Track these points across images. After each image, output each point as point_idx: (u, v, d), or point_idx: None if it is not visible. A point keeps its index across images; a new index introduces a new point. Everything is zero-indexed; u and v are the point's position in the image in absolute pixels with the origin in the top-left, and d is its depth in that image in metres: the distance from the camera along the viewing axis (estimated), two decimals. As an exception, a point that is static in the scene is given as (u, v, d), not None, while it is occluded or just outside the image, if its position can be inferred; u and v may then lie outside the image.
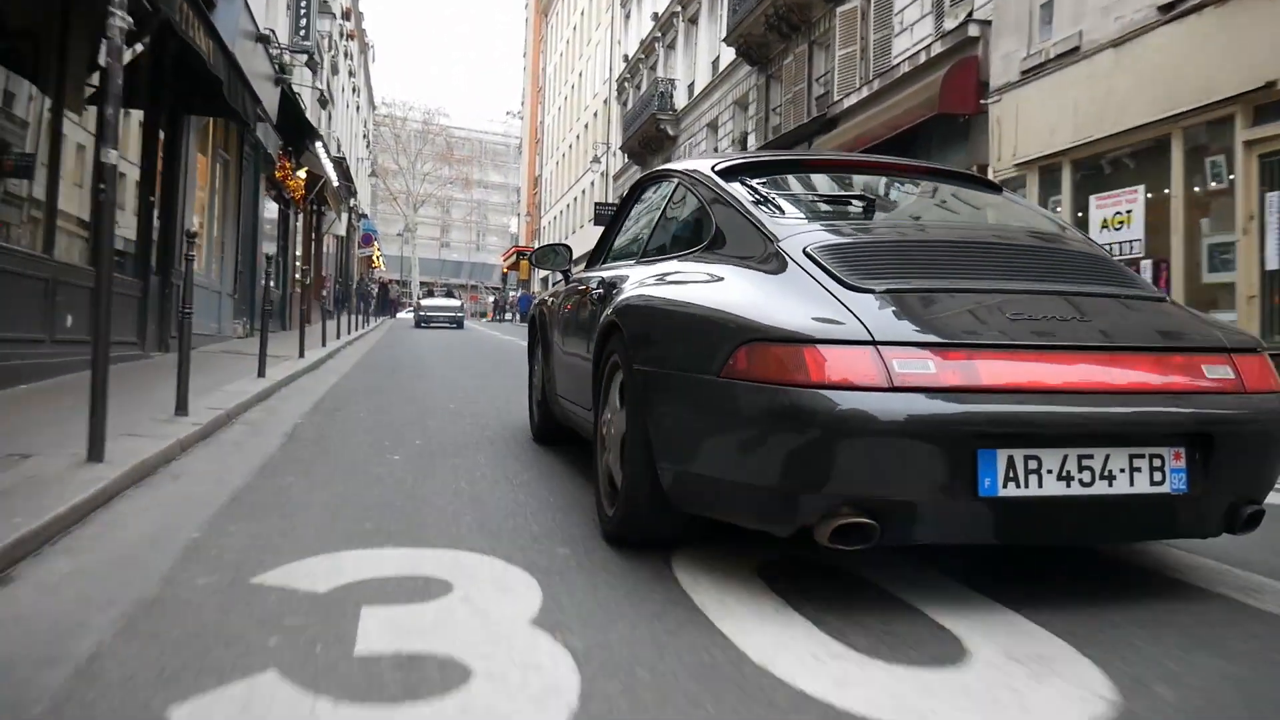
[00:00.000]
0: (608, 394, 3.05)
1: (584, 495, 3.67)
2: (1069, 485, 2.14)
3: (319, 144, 19.35)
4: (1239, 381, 2.32)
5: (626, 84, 33.45)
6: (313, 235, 23.66)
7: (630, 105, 31.21)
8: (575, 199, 44.11)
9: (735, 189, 2.97)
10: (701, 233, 3.03)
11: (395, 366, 11.79)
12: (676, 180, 3.51)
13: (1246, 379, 2.32)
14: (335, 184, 25.70)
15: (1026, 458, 2.13)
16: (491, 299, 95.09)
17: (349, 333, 18.71)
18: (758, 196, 2.91)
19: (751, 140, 21.22)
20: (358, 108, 42.01)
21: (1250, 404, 2.30)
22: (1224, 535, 2.41)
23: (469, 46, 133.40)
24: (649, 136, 27.66)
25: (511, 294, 67.82)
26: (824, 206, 3.05)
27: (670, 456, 2.49)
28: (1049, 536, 2.43)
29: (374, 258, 50.91)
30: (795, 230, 2.64)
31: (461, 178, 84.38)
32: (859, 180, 3.45)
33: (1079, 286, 2.51)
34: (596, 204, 34.14)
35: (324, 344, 13.47)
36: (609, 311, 3.04)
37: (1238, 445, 2.29)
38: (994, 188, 3.60)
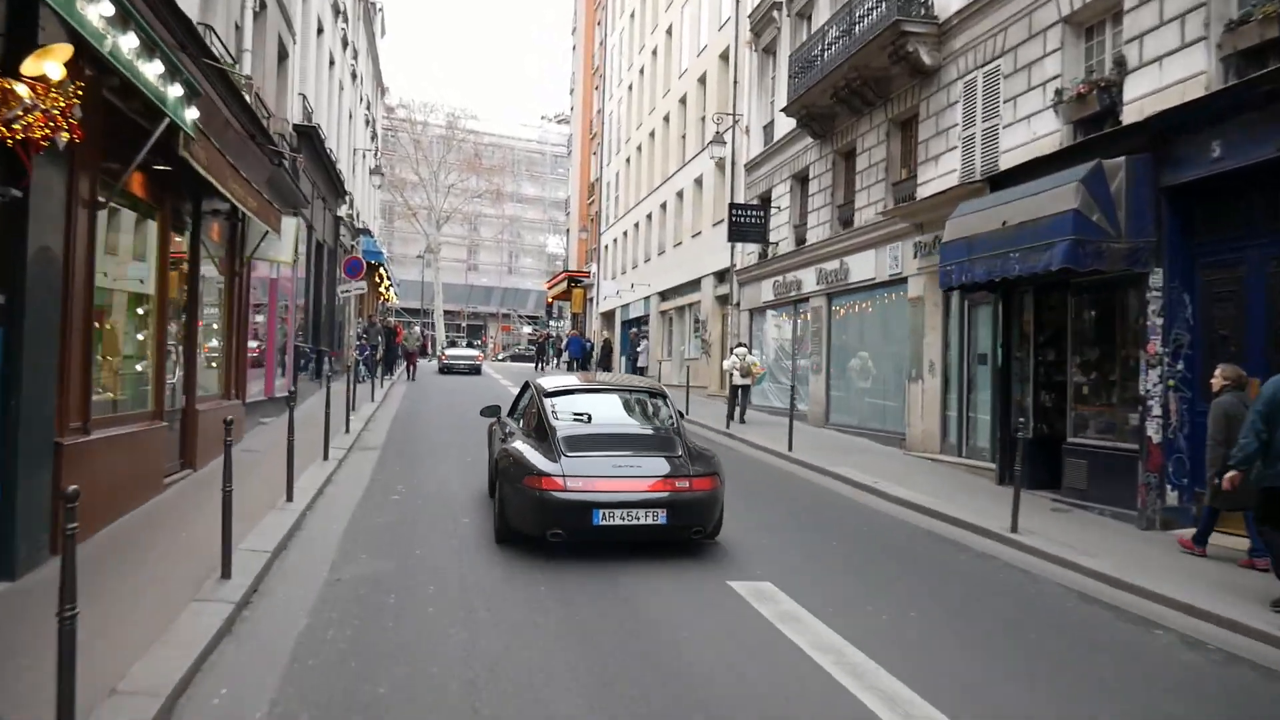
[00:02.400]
0: (492, 481, 8.70)
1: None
2: (625, 519, 7.08)
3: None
4: (690, 485, 7.30)
5: (778, 12, 20.35)
6: (213, 261, 10.95)
7: (799, 41, 18.21)
8: (666, 203, 31.08)
9: (547, 403, 8.14)
10: (539, 421, 8.03)
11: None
12: (533, 390, 8.68)
13: (694, 485, 7.32)
14: (288, 162, 13.08)
15: (608, 513, 7.04)
16: (527, 331, 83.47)
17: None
18: (551, 392, 8.42)
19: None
20: (354, 76, 29.23)
21: (691, 494, 7.30)
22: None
23: (497, 41, 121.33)
24: (871, 75, 14.66)
25: (555, 330, 55.00)
26: (571, 414, 8.10)
27: (505, 511, 7.64)
28: (620, 538, 7.19)
29: (383, 289, 37.99)
30: (562, 432, 7.69)
31: (492, 190, 72.61)
32: (588, 398, 8.72)
33: (648, 451, 7.72)
34: (732, 206, 21.11)
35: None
36: (498, 451, 8.33)
37: (687, 509, 7.27)
38: (655, 394, 8.97)
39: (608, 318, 42.33)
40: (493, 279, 79.01)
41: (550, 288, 52.47)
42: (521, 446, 7.67)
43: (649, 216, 34.17)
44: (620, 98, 39.83)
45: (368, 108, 33.92)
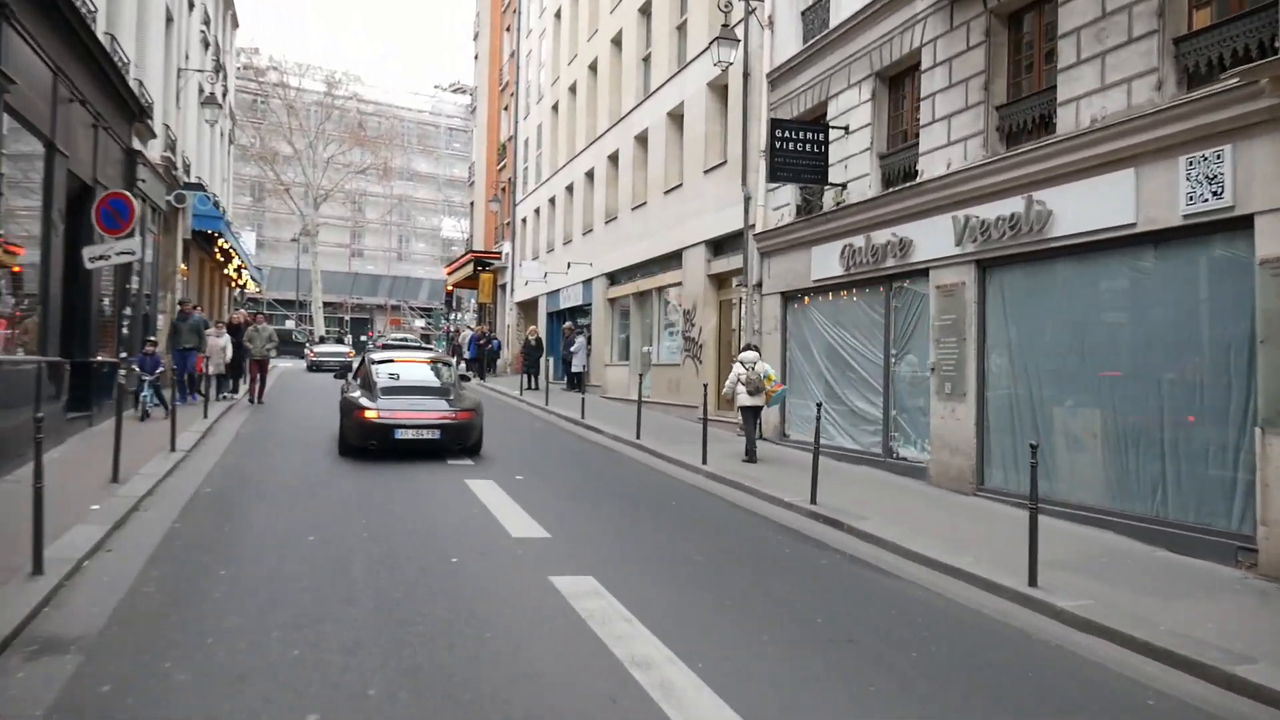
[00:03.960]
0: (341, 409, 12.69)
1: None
2: (414, 435, 11.77)
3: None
4: (456, 416, 12.06)
5: None
6: None
7: None
8: (618, 153, 23.42)
9: (372, 367, 13.21)
10: (368, 375, 12.92)
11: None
12: (365, 359, 14.10)
13: (459, 416, 12.09)
14: None
15: (403, 431, 11.74)
16: (420, 325, 73.79)
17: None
18: (375, 362, 13.50)
19: None
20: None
21: (456, 421, 12.06)
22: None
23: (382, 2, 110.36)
24: None
25: (461, 327, 46.31)
26: (387, 372, 13.01)
27: (344, 433, 12.27)
28: (411, 447, 11.82)
29: (232, 271, 28.77)
30: (379, 384, 12.50)
31: (378, 165, 63.21)
32: (399, 365, 13.48)
33: (432, 396, 12.55)
34: (776, 125, 13.19)
35: None
36: (341, 398, 12.90)
37: (455, 430, 12.03)
38: (444, 363, 14.82)
39: (527, 308, 33.97)
40: (380, 266, 69.49)
41: (451, 273, 43.60)
42: (355, 393, 12.39)
43: (589, 175, 26.06)
44: (544, 29, 31.49)
45: (206, 23, 24.76)
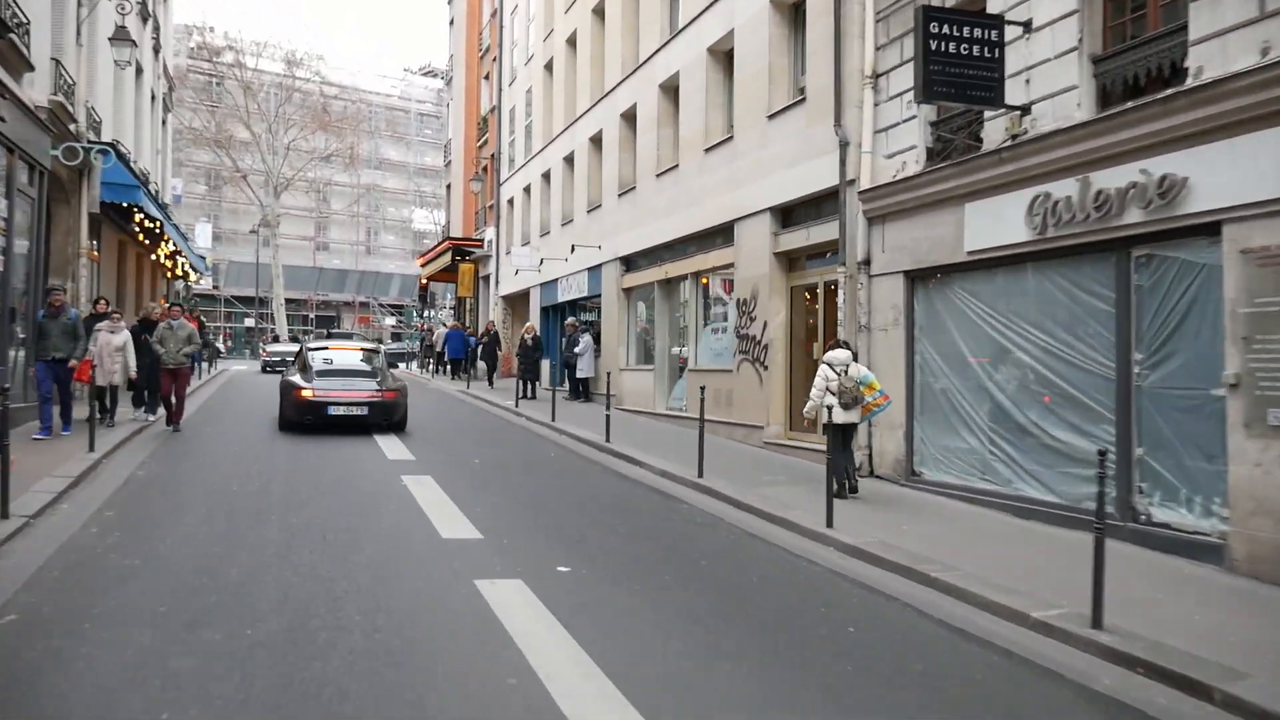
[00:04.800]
0: (281, 390, 14.49)
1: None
2: (344, 411, 13.31)
3: None
4: (382, 396, 13.63)
5: None
6: None
7: None
8: (634, 109, 19.33)
9: (309, 354, 14.97)
10: (305, 360, 14.66)
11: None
12: (303, 348, 16.16)
13: (385, 396, 13.68)
14: None
15: (335, 407, 13.30)
16: (390, 322, 68.82)
17: None
18: (313, 350, 15.16)
19: None
20: None
21: (383, 400, 13.62)
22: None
23: None
24: None
25: (437, 322, 41.91)
26: (321, 357, 14.65)
27: (283, 410, 13.91)
28: (342, 422, 13.35)
29: (162, 255, 24.09)
30: (315, 368, 14.20)
31: (344, 150, 58.50)
32: (334, 351, 15.11)
33: (361, 378, 14.22)
34: (928, 12, 8.88)
35: None
36: (282, 381, 14.76)
37: (381, 408, 13.57)
38: (374, 351, 16.04)
39: (516, 303, 29.52)
40: (347, 261, 64.64)
41: (425, 264, 38.89)
42: (294, 376, 14.04)
43: (594, 140, 21.66)
44: (534, -22, 27.03)
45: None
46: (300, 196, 59.91)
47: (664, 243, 17.38)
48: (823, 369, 9.70)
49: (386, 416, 13.58)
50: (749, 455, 12.74)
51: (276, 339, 43.79)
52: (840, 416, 9.34)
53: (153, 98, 25.07)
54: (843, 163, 11.47)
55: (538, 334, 22.75)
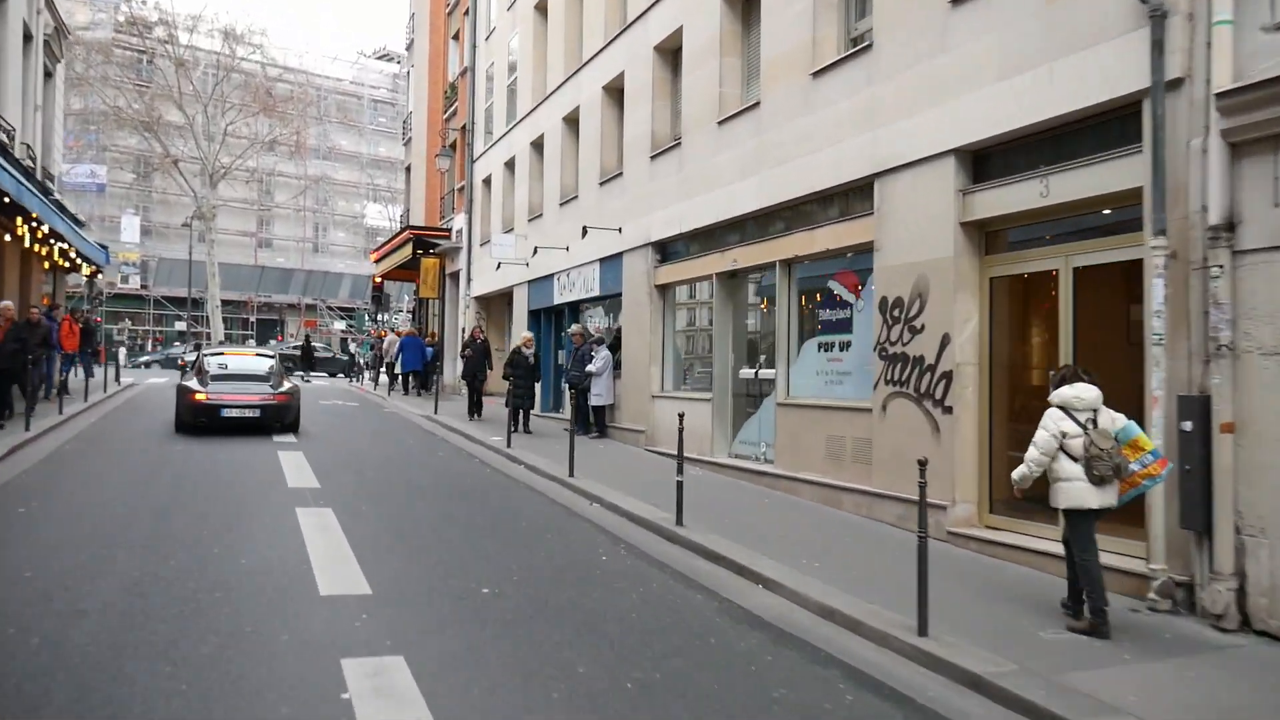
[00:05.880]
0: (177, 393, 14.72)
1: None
2: (238, 414, 13.81)
3: None
4: (274, 398, 14.28)
5: None
6: None
7: None
8: (681, 37, 13.62)
9: (205, 360, 15.29)
10: (201, 365, 15.09)
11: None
12: (200, 354, 16.70)
13: (276, 399, 14.28)
14: None
15: (229, 410, 13.78)
16: (340, 327, 62.55)
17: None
18: (209, 356, 15.73)
19: None
20: None
21: (275, 403, 14.20)
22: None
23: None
24: None
25: (385, 328, 36.20)
26: (217, 363, 15.16)
27: (179, 413, 14.23)
28: (237, 423, 13.84)
29: (38, 245, 18.21)
30: (210, 373, 14.66)
31: (290, 135, 52.40)
32: (229, 357, 15.86)
33: (255, 381, 14.82)
34: None
35: None
36: (178, 385, 15.01)
37: (273, 410, 14.16)
38: (268, 356, 16.49)
39: (493, 305, 24.01)
40: (292, 259, 58.43)
41: (379, 259, 32.96)
42: (190, 381, 14.42)
43: (610, 91, 16.33)
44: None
45: None
46: (240, 187, 53.61)
47: (730, 219, 12.11)
48: (1053, 415, 5.40)
49: (280, 419, 14.27)
50: (938, 557, 7.46)
51: (199, 347, 37.57)
52: (1089, 498, 5.42)
53: (27, 37, 19.27)
54: (1158, 47, 6.29)
55: (533, 347, 17.21)
